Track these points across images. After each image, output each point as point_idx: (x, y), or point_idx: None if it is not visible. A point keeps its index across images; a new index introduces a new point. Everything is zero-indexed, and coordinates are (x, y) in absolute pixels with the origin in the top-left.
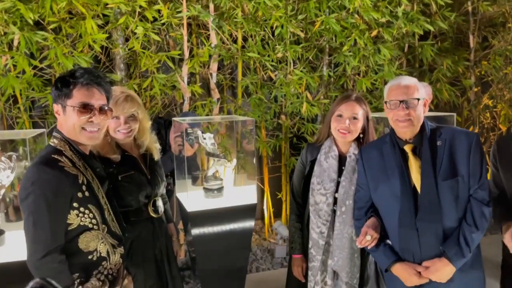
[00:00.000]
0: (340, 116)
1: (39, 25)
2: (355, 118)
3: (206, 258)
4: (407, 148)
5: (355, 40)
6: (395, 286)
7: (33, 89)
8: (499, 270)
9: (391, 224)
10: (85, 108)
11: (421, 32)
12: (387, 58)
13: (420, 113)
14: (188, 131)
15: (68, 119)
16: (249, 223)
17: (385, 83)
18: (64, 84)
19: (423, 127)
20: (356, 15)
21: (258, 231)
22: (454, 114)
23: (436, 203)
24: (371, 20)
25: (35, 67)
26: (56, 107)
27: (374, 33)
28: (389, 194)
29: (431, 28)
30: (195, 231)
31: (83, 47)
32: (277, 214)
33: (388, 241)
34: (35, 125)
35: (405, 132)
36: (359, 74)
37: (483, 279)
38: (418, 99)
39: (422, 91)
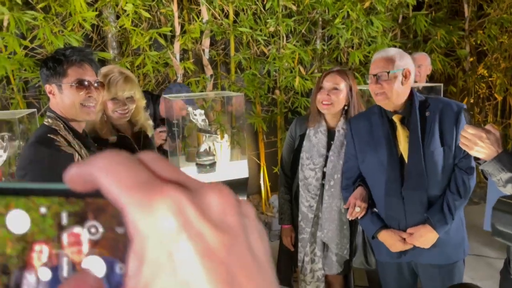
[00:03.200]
0: (321, 88)
1: (28, 5)
2: (336, 89)
3: None
4: (395, 118)
5: (347, 12)
6: (381, 252)
7: (25, 70)
8: (482, 236)
9: (378, 193)
10: (82, 84)
11: (414, 3)
12: (380, 29)
13: (394, 86)
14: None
15: (66, 97)
16: (242, 197)
17: None
18: (57, 63)
19: (411, 98)
20: None
21: (255, 206)
22: (441, 84)
23: (422, 172)
24: None
25: (26, 47)
26: (50, 87)
27: (367, 4)
28: (376, 164)
29: None
30: None
31: (73, 25)
32: (274, 189)
33: (375, 209)
34: (29, 106)
35: (383, 105)
36: (352, 47)
37: (465, 245)
38: (388, 72)
39: (401, 63)
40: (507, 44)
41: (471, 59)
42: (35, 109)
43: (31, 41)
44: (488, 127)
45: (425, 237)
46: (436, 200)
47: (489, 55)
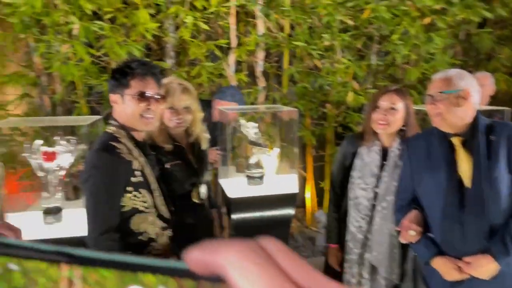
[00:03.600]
0: (378, 108)
1: (95, 15)
2: (393, 108)
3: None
4: (455, 140)
5: (405, 28)
6: (434, 280)
7: (90, 76)
8: None
9: (434, 216)
10: (143, 96)
11: (479, 20)
12: (440, 46)
13: (450, 107)
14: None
15: (127, 107)
16: (290, 211)
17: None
18: (122, 75)
19: (475, 120)
20: (408, 2)
21: (300, 219)
22: (510, 109)
23: (485, 198)
24: (424, 7)
25: (92, 55)
26: (114, 97)
27: (427, 20)
28: (434, 186)
29: (490, 15)
30: (236, 216)
31: (136, 36)
32: (319, 203)
33: (430, 234)
34: (91, 110)
35: (440, 126)
36: (409, 63)
37: None
38: (444, 92)
39: (461, 83)
40: None
41: None
42: (101, 116)
43: (97, 50)
44: None
45: (485, 267)
46: (498, 228)
47: None
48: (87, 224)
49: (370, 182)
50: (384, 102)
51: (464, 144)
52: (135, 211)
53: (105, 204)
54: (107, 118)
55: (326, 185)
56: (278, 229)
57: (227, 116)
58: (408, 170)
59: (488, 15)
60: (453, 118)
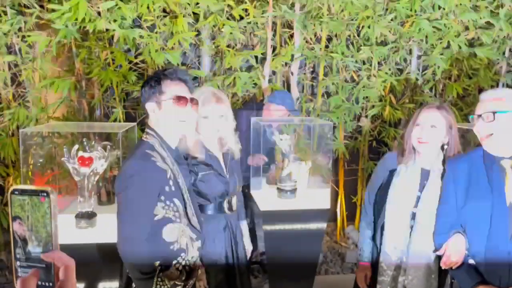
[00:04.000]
0: (418, 125)
1: (135, 22)
2: (434, 126)
3: (276, 255)
4: (505, 163)
5: (448, 42)
6: None
7: (127, 82)
8: None
9: (478, 243)
10: (180, 100)
11: None
12: (483, 62)
13: (502, 128)
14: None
15: (165, 114)
16: (321, 227)
17: (480, 89)
18: (156, 82)
19: None
20: (451, 16)
21: (329, 233)
22: None
23: None
24: (469, 21)
25: (130, 62)
26: (151, 105)
27: (471, 35)
28: (480, 211)
29: None
30: (266, 228)
31: (174, 44)
32: (350, 218)
33: (472, 261)
34: (127, 115)
35: (489, 149)
36: (450, 78)
37: None
38: (494, 113)
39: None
40: None
41: None
42: (136, 123)
43: (136, 57)
44: None
45: None
46: None
47: None
48: (118, 233)
49: (408, 202)
50: (424, 119)
51: None
52: (167, 220)
53: (138, 214)
54: (143, 125)
55: (358, 200)
56: (309, 242)
57: (261, 125)
58: (452, 192)
59: None
60: (505, 140)
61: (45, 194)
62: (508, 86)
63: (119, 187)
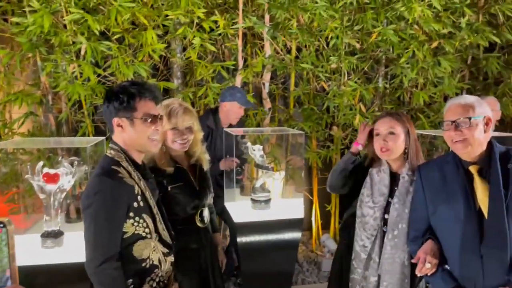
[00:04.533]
0: (378, 134)
1: (103, 35)
2: (392, 133)
3: (251, 267)
4: (473, 169)
5: (413, 51)
6: None
7: (96, 95)
8: None
9: (452, 249)
10: (152, 119)
11: (487, 44)
12: (447, 70)
13: (476, 133)
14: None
15: (136, 131)
16: (296, 236)
17: (445, 96)
18: (129, 97)
19: (490, 148)
20: (415, 26)
21: (305, 242)
22: None
23: (504, 229)
24: (432, 31)
25: (98, 75)
26: (118, 121)
27: (435, 44)
28: (451, 217)
29: (498, 40)
30: (241, 240)
31: (143, 56)
32: (325, 226)
33: (446, 266)
34: (96, 129)
35: (462, 154)
36: (416, 87)
37: None
38: (470, 118)
39: (481, 110)
40: None
41: None
42: (104, 138)
43: (104, 70)
44: None
45: None
46: None
47: None
48: (86, 252)
49: (379, 201)
50: (382, 128)
51: (480, 173)
52: (138, 237)
53: (107, 232)
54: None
55: (332, 208)
56: (284, 253)
57: (232, 137)
58: (422, 199)
59: (495, 39)
60: (477, 145)
61: (1, 225)
62: (471, 93)
63: (84, 204)
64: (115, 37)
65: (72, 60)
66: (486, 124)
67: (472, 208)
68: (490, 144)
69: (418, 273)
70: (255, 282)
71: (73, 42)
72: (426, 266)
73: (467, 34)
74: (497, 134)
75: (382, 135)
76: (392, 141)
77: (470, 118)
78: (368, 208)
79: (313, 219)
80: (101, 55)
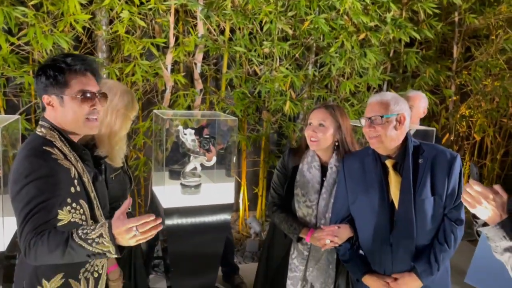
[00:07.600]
0: (310, 124)
1: (19, 0)
2: (322, 125)
3: (180, 251)
4: (388, 163)
5: (342, 41)
6: None
7: (8, 66)
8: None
9: (366, 236)
10: (86, 96)
11: (408, 39)
12: (372, 62)
13: (388, 130)
14: (204, 137)
15: (69, 110)
16: (225, 221)
17: (368, 86)
18: (58, 72)
19: (406, 143)
20: (345, 17)
21: (232, 224)
22: (434, 129)
23: (412, 220)
24: (360, 23)
25: (12, 44)
26: (48, 98)
27: (362, 36)
28: (367, 207)
29: (418, 36)
30: (169, 226)
31: (65, 26)
32: (251, 208)
33: (361, 252)
34: (8, 102)
35: (377, 148)
36: (343, 76)
37: None
38: (382, 116)
39: (396, 108)
40: (490, 88)
41: (455, 98)
42: (19, 116)
43: (19, 38)
44: (496, 188)
45: (409, 285)
46: (424, 249)
47: (472, 96)
48: (19, 242)
49: (314, 199)
50: (314, 119)
51: (395, 167)
52: (73, 225)
53: (43, 220)
54: (28, 114)
55: (259, 190)
56: (214, 236)
57: (163, 120)
58: (344, 189)
59: (415, 35)
60: (390, 141)
61: None
62: (392, 85)
63: (14, 190)
64: (32, 2)
65: None
66: (399, 121)
67: (386, 200)
68: (405, 139)
69: (322, 247)
70: (184, 264)
71: None
72: (326, 242)
73: (391, 28)
74: (423, 128)
75: (313, 126)
76: (322, 132)
77: (382, 117)
78: (306, 208)
79: (240, 201)
80: (15, 22)
